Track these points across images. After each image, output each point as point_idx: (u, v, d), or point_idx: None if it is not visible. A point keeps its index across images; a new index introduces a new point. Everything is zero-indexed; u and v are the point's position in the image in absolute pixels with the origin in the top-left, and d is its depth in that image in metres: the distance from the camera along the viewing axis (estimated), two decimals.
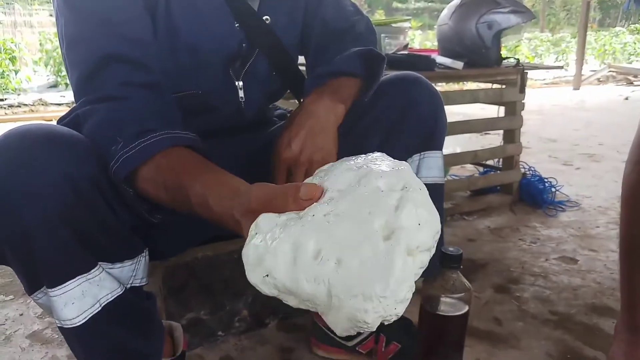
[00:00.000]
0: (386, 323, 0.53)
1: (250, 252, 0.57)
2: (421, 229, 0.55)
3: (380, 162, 0.62)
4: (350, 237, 0.53)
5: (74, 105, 0.85)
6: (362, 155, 0.64)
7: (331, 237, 0.53)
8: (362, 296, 0.51)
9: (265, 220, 0.58)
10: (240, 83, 1.00)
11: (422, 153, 1.05)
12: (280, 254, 0.54)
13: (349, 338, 1.21)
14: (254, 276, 0.56)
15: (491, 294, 1.58)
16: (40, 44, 7.71)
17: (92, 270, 0.80)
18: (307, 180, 0.64)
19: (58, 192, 0.73)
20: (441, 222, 1.11)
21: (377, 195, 0.56)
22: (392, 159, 0.64)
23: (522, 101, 2.33)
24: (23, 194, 0.72)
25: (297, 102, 1.16)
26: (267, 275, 0.55)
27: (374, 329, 0.53)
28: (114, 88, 0.79)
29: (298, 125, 0.90)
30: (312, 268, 0.53)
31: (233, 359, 1.25)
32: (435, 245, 0.58)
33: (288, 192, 0.60)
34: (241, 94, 1.00)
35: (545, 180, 2.44)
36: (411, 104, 1.02)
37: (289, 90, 1.14)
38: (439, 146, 1.07)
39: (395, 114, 1.02)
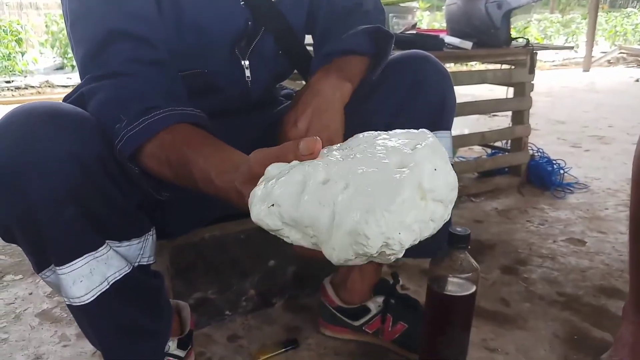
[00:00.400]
0: (389, 254, 0.50)
1: (259, 192, 0.56)
2: (436, 174, 0.53)
3: (400, 132, 0.60)
4: (361, 167, 0.52)
5: (79, 83, 0.84)
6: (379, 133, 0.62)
7: (342, 169, 0.52)
8: (366, 209, 0.48)
9: (274, 167, 0.57)
10: (247, 62, 0.99)
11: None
12: (290, 183, 0.53)
13: (356, 318, 1.21)
14: (258, 210, 0.55)
15: (498, 275, 1.58)
16: (46, 26, 7.67)
17: (100, 249, 0.81)
18: (327, 149, 0.61)
19: (64, 169, 0.73)
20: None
21: (393, 149, 0.55)
22: (414, 131, 0.62)
23: (532, 82, 2.30)
24: (30, 171, 0.72)
25: (304, 82, 1.15)
26: (273, 205, 0.53)
27: (374, 252, 0.49)
28: (120, 64, 0.78)
29: (304, 104, 0.89)
30: (319, 191, 0.51)
31: (240, 338, 1.25)
32: (451, 210, 0.56)
33: (288, 148, 0.59)
34: (247, 73, 0.99)
35: (554, 162, 2.42)
36: (420, 83, 1.00)
37: (295, 70, 1.13)
38: (447, 126, 1.05)
39: (403, 93, 1.00)
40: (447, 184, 0.55)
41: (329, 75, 0.91)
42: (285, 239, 0.56)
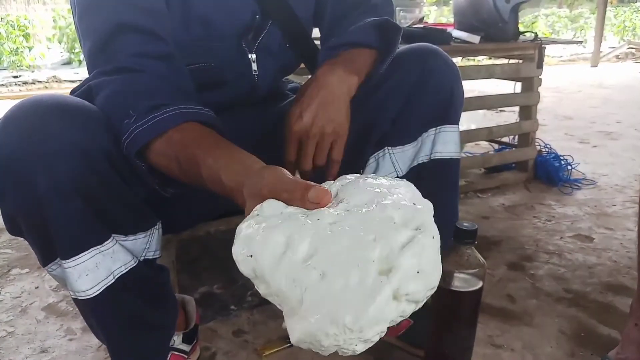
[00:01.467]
0: (340, 354, 0.51)
1: (244, 229, 0.56)
2: (418, 278, 0.52)
3: (404, 191, 0.59)
4: (345, 256, 0.51)
5: (87, 76, 0.84)
6: (389, 178, 0.62)
7: (326, 247, 0.51)
8: (330, 319, 0.48)
9: (270, 206, 0.57)
10: (254, 56, 0.98)
11: (438, 127, 1.03)
12: (271, 242, 0.52)
13: None
14: (238, 251, 0.55)
15: (505, 272, 1.57)
16: (54, 21, 7.69)
17: (106, 242, 0.80)
18: (327, 185, 0.61)
19: (70, 162, 0.73)
20: (455, 199, 1.11)
21: (388, 225, 0.53)
22: (418, 193, 0.61)
23: (540, 77, 2.28)
24: (36, 163, 0.72)
25: (311, 75, 1.15)
26: (251, 257, 0.53)
27: (326, 354, 0.51)
28: (128, 59, 0.78)
29: (310, 96, 0.88)
30: (296, 269, 0.51)
31: (245, 333, 1.25)
32: (423, 302, 0.56)
33: (297, 188, 0.58)
34: (254, 66, 0.99)
35: (561, 157, 2.41)
36: (427, 76, 0.99)
37: (302, 64, 1.12)
38: (455, 120, 1.04)
39: (410, 86, 0.99)
40: (426, 287, 0.54)
41: (335, 68, 0.90)
42: (255, 286, 0.56)
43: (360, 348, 0.50)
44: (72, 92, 0.94)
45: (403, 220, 0.54)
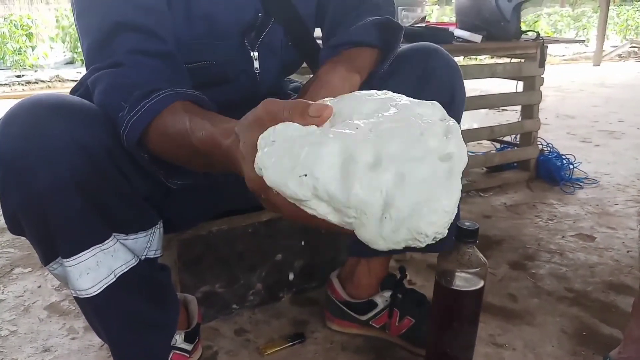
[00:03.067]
0: (430, 241, 0.49)
1: (275, 152, 0.50)
2: (464, 158, 0.52)
3: (399, 95, 0.58)
4: (407, 152, 0.49)
5: (84, 74, 0.84)
6: (373, 91, 0.59)
7: (385, 149, 0.49)
8: (429, 209, 0.47)
9: (286, 127, 0.52)
10: (256, 54, 0.98)
11: None
12: (326, 155, 0.49)
13: (363, 312, 1.21)
14: (281, 176, 0.49)
15: (506, 271, 1.57)
16: (57, 20, 7.70)
17: (107, 241, 0.81)
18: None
19: (71, 159, 0.73)
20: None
21: (422, 120, 0.53)
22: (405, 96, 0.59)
23: (542, 76, 2.28)
24: (36, 161, 0.72)
25: (313, 74, 1.15)
26: (306, 175, 0.48)
27: (424, 246, 0.49)
28: (124, 55, 0.78)
29: (311, 95, 0.88)
30: (368, 176, 0.48)
31: (247, 332, 1.26)
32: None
33: (296, 104, 0.55)
34: (256, 64, 0.99)
35: (563, 156, 2.40)
36: (429, 75, 0.99)
37: (305, 63, 1.12)
38: (457, 119, 1.04)
39: (412, 85, 0.99)
40: (465, 164, 0.54)
41: (337, 67, 0.90)
42: (304, 209, 0.51)
43: (446, 230, 0.50)
44: (72, 92, 0.94)
45: (429, 114, 0.54)
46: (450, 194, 0.49)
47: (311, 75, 1.01)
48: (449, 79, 1.01)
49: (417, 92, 0.99)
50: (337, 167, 0.48)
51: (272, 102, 0.56)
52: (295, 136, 0.51)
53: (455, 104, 1.03)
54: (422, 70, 0.99)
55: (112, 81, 0.77)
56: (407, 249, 0.52)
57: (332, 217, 0.50)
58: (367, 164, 0.48)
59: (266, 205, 0.56)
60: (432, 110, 0.55)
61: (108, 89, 0.77)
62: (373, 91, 0.59)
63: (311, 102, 0.54)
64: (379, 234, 0.49)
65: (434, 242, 0.49)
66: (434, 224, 0.48)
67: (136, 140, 0.74)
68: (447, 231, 0.49)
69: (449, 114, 1.05)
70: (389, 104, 0.55)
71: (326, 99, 0.58)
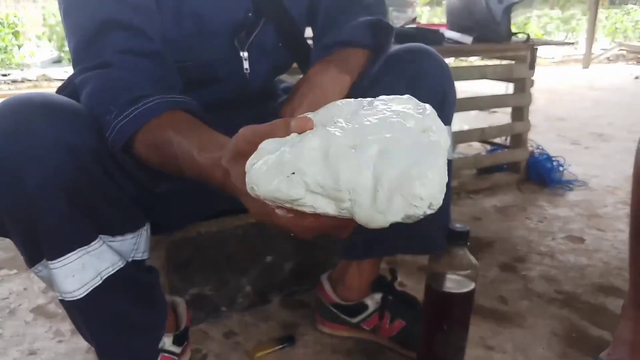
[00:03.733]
0: (428, 214, 0.49)
1: (261, 167, 0.51)
2: (442, 132, 0.53)
3: (376, 98, 0.59)
4: (385, 131, 0.50)
5: (72, 73, 0.83)
6: (350, 99, 0.60)
7: (364, 134, 0.50)
8: (418, 171, 0.48)
9: (271, 142, 0.53)
10: (246, 54, 0.97)
11: None
12: (308, 149, 0.50)
13: (353, 314, 1.20)
14: (271, 183, 0.50)
15: (497, 273, 1.57)
16: (44, 19, 7.64)
17: (93, 243, 0.79)
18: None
19: (57, 160, 0.72)
20: (448, 200, 1.10)
21: (398, 109, 0.54)
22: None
23: (532, 78, 2.29)
24: (22, 162, 0.70)
25: (303, 75, 1.14)
26: (294, 173, 0.49)
27: (421, 213, 0.48)
28: (112, 55, 0.76)
29: (301, 96, 0.88)
30: (352, 157, 0.49)
31: (236, 335, 1.24)
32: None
33: (278, 125, 0.55)
34: (246, 65, 0.98)
35: (553, 159, 2.41)
36: (420, 76, 0.99)
37: (295, 64, 1.11)
38: (447, 121, 1.04)
39: (403, 86, 0.98)
40: (449, 145, 0.56)
41: (327, 68, 0.90)
42: (303, 208, 0.51)
43: (440, 199, 0.50)
44: (58, 91, 0.93)
45: (409, 109, 0.55)
46: (437, 158, 0.49)
47: (302, 76, 1.00)
48: (440, 80, 1.00)
49: (408, 93, 0.99)
50: (321, 158, 0.49)
51: (249, 129, 0.57)
52: (276, 147, 0.52)
53: (446, 105, 1.02)
54: (413, 71, 0.99)
55: (101, 83, 0.76)
56: (408, 223, 0.50)
57: (330, 209, 0.50)
58: (348, 146, 0.49)
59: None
60: (406, 102, 0.57)
61: (96, 91, 0.76)
62: (350, 99, 0.60)
63: (291, 119, 0.55)
64: (375, 210, 0.49)
65: (432, 211, 0.49)
66: (426, 185, 0.48)
67: (121, 145, 0.73)
68: (442, 197, 0.49)
69: (440, 115, 1.04)
70: (364, 104, 0.57)
71: (306, 113, 0.59)
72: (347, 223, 0.52)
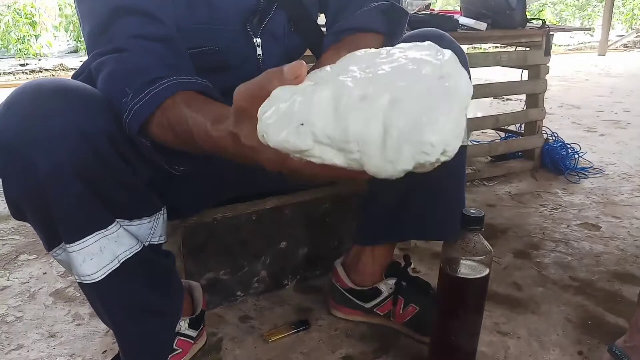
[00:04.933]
0: (442, 160, 0.48)
1: (271, 116, 0.51)
2: (469, 83, 0.52)
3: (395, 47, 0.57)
4: (399, 80, 0.49)
5: (87, 59, 0.83)
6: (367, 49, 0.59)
7: (377, 82, 0.49)
8: (428, 118, 0.46)
9: (283, 91, 0.52)
10: (258, 40, 0.97)
11: None
12: (318, 100, 0.49)
13: (367, 300, 1.21)
14: (280, 133, 0.49)
15: (511, 259, 1.57)
16: (60, 9, 7.68)
17: (110, 227, 0.81)
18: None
19: (71, 145, 0.73)
20: (462, 187, 1.10)
21: (419, 58, 0.52)
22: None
23: (547, 64, 2.26)
24: (37, 147, 0.72)
25: (316, 61, 1.14)
26: (303, 124, 0.49)
27: (434, 159, 0.47)
28: (125, 40, 0.77)
29: None
30: (361, 108, 0.48)
31: (251, 319, 1.26)
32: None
33: (271, 74, 0.55)
34: (259, 51, 0.98)
35: (568, 146, 2.39)
36: None
37: (308, 50, 1.11)
38: None
39: None
40: (470, 92, 0.53)
41: (340, 53, 0.88)
42: (311, 159, 0.51)
43: (457, 144, 0.48)
44: (74, 77, 0.93)
45: (427, 55, 0.53)
46: (452, 102, 0.47)
47: (314, 64, 1.00)
48: None
49: None
50: (331, 108, 0.48)
51: (242, 86, 0.57)
52: (288, 96, 0.51)
53: None
54: None
55: (116, 67, 0.77)
56: (420, 171, 0.49)
57: (338, 160, 0.50)
58: (358, 97, 0.48)
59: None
60: (426, 49, 0.55)
61: (111, 75, 0.77)
62: (369, 49, 0.58)
63: (284, 67, 0.54)
64: (384, 159, 0.48)
65: (447, 157, 0.48)
66: (436, 131, 0.46)
67: (138, 127, 0.74)
68: (458, 143, 0.47)
69: None
70: (382, 53, 0.55)
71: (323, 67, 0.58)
72: (357, 174, 0.51)
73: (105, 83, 0.77)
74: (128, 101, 0.73)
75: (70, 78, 0.86)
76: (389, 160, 0.47)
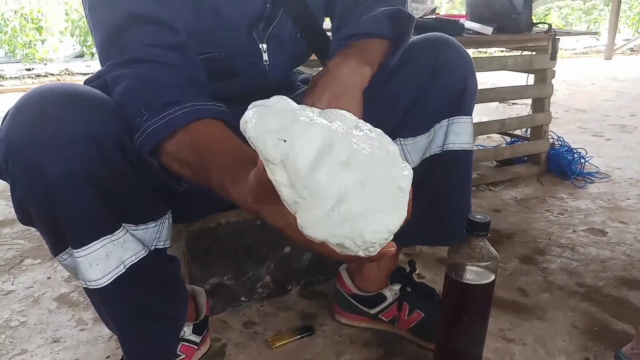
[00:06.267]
0: (358, 250, 0.50)
1: (265, 110, 0.51)
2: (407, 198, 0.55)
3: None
4: (374, 166, 0.51)
5: (101, 69, 0.83)
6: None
7: (358, 156, 0.51)
8: (375, 218, 0.49)
9: (278, 99, 0.53)
10: (265, 46, 0.97)
11: (450, 118, 1.02)
12: (310, 135, 0.49)
13: (372, 305, 1.20)
14: (265, 130, 0.49)
15: (517, 265, 1.56)
16: (66, 14, 7.70)
17: (116, 232, 0.80)
18: None
19: (81, 151, 0.73)
20: (468, 191, 1.10)
21: (393, 153, 0.55)
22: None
23: (553, 69, 2.26)
24: (46, 151, 0.71)
25: (322, 66, 1.14)
26: (285, 141, 0.49)
27: (353, 251, 0.49)
28: (140, 49, 0.77)
29: (321, 88, 0.87)
30: (335, 168, 0.49)
31: (255, 325, 1.25)
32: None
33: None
34: (265, 56, 0.98)
35: (575, 150, 2.38)
36: (441, 66, 0.98)
37: (314, 55, 1.11)
38: (468, 111, 1.03)
39: (424, 77, 0.98)
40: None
41: (347, 59, 0.89)
42: (268, 172, 0.50)
43: (377, 249, 0.51)
44: (86, 83, 0.93)
45: (395, 151, 0.56)
46: (399, 215, 0.51)
47: (320, 68, 0.99)
48: (462, 70, 1.00)
49: (429, 83, 0.99)
50: (314, 149, 0.49)
51: (252, 178, 0.55)
52: (287, 108, 0.52)
53: (467, 95, 1.01)
54: (434, 62, 0.98)
55: (132, 83, 0.76)
56: (332, 252, 0.51)
57: (285, 190, 0.50)
58: (339, 159, 0.49)
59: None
60: (394, 145, 0.57)
61: (127, 91, 0.76)
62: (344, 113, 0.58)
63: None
64: (322, 221, 0.49)
65: (361, 254, 0.50)
66: (376, 232, 0.49)
67: (149, 151, 0.74)
68: (377, 250, 0.51)
69: (462, 105, 1.04)
70: (358, 125, 0.56)
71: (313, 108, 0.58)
72: (289, 218, 0.51)
73: (122, 97, 0.77)
74: (143, 121, 0.73)
75: (81, 84, 0.86)
76: (325, 224, 0.49)
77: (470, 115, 1.04)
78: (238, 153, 0.67)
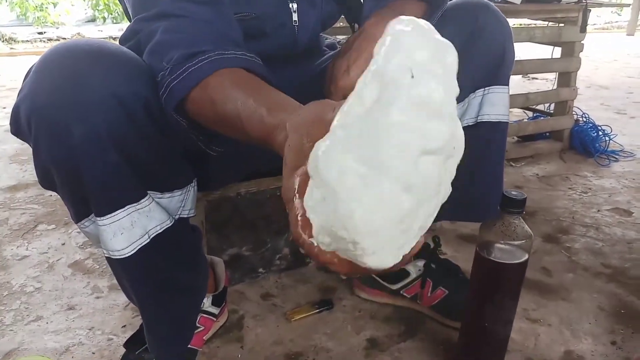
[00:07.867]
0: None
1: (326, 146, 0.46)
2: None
3: None
4: (431, 189, 0.47)
5: (129, 25, 0.78)
6: None
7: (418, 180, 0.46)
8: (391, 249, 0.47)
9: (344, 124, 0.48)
10: (295, 5, 0.92)
11: (486, 88, 0.97)
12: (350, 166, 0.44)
13: (394, 281, 1.17)
14: (343, 163, 0.45)
15: (540, 244, 1.51)
16: None
17: (142, 200, 0.76)
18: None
19: (106, 111, 0.68)
20: (501, 165, 1.05)
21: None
22: None
23: (582, 42, 2.17)
24: (70, 112, 0.66)
25: (350, 28, 1.08)
26: (325, 199, 0.46)
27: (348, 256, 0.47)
28: (171, 4, 0.71)
29: (357, 50, 0.82)
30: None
31: (273, 297, 1.23)
32: None
33: (327, 108, 0.51)
34: (295, 17, 0.92)
35: (600, 127, 2.31)
36: (479, 32, 0.92)
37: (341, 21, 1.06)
38: (505, 81, 0.98)
39: (461, 42, 0.92)
40: None
41: (384, 20, 0.84)
42: (310, 182, 0.48)
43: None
44: (121, 42, 0.88)
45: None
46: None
47: (337, 36, 0.94)
48: (501, 36, 0.94)
49: (468, 48, 0.94)
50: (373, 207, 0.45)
51: (319, 104, 0.53)
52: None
53: (505, 63, 0.96)
54: (473, 26, 0.93)
55: (161, 37, 0.71)
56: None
57: (324, 239, 0.49)
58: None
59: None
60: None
61: (156, 46, 0.71)
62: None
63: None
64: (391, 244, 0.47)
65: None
66: (374, 261, 0.47)
67: (174, 106, 0.69)
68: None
69: (499, 74, 0.98)
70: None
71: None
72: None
73: (149, 54, 0.72)
74: (165, 75, 0.68)
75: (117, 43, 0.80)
76: (396, 246, 0.47)
77: (507, 85, 0.99)
78: (275, 90, 0.64)
